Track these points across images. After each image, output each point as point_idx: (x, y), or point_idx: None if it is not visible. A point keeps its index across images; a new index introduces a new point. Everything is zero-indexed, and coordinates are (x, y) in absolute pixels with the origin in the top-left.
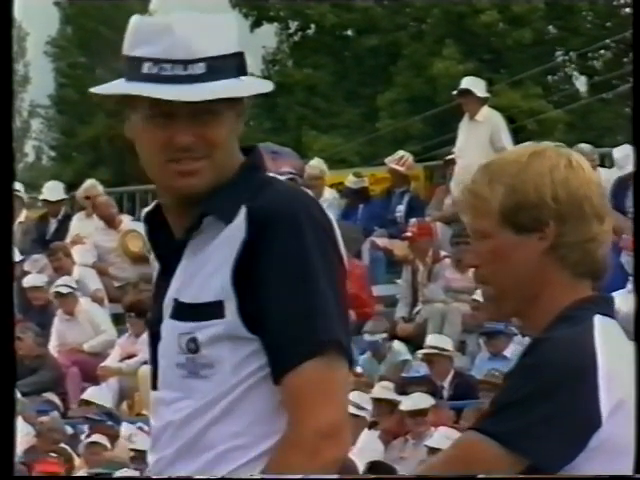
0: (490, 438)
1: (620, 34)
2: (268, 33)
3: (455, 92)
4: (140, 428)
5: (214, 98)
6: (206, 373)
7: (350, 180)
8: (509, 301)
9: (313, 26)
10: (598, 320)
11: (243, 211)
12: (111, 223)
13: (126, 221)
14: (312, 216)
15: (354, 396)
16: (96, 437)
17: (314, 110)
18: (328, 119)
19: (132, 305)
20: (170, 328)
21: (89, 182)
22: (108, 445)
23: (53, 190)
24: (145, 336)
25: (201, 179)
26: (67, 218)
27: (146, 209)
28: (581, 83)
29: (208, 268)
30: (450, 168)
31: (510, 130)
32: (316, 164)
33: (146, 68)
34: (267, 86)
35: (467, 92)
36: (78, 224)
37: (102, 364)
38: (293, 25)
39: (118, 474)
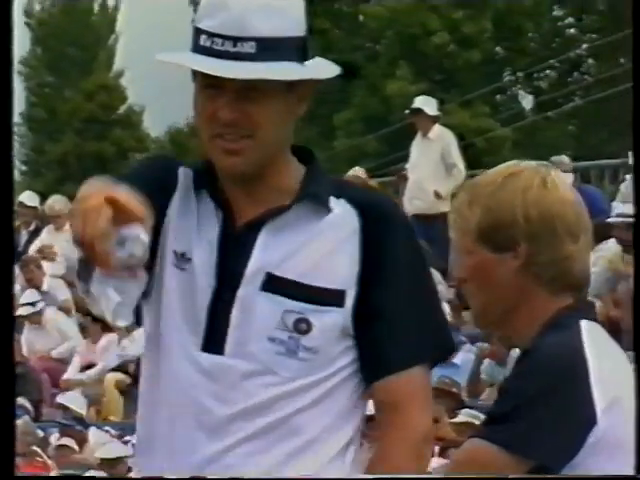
0: (494, 444)
1: (564, 54)
2: None
3: (408, 111)
4: (107, 432)
5: (251, 78)
6: (306, 356)
7: None
8: (490, 314)
9: None
10: (584, 324)
11: (343, 204)
12: None
13: None
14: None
15: None
16: (65, 440)
17: None
18: None
19: (89, 310)
20: (265, 300)
21: (56, 197)
22: (76, 448)
23: (29, 198)
24: (103, 342)
25: (245, 159)
26: (37, 231)
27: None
28: (527, 102)
29: (322, 253)
30: (403, 183)
31: (460, 147)
32: None
33: (202, 40)
34: (330, 71)
35: (419, 111)
36: (48, 237)
37: (64, 377)
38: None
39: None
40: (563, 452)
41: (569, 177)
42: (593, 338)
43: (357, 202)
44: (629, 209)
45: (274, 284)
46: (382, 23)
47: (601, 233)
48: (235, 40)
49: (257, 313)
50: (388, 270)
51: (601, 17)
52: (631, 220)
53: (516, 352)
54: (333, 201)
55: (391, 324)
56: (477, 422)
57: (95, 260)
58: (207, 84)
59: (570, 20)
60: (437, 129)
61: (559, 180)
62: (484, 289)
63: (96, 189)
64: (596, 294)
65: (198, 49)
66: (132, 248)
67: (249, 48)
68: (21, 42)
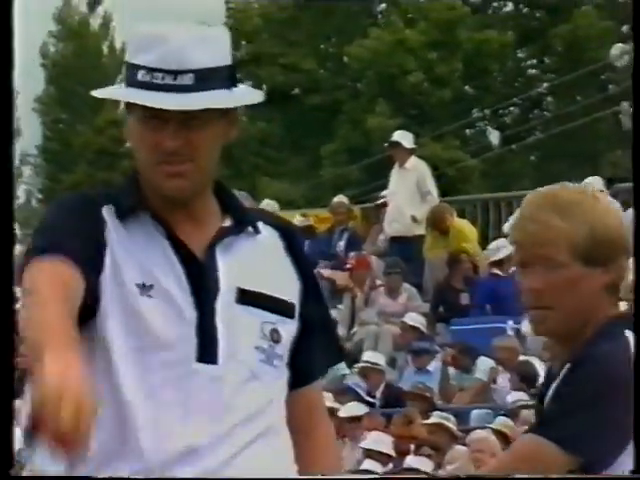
0: (550, 441)
1: (526, 93)
2: None
3: (387, 144)
4: None
5: (198, 108)
6: (278, 364)
7: (298, 219)
8: (564, 323)
9: (264, 86)
10: (629, 334)
11: (264, 225)
12: None
13: None
14: None
15: None
16: None
17: (266, 159)
18: (278, 167)
19: None
20: (243, 312)
21: None
22: None
23: None
24: None
25: (187, 181)
26: None
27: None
28: (494, 136)
29: (270, 268)
30: (383, 210)
31: (433, 176)
32: (268, 205)
33: (141, 75)
34: (256, 97)
35: (397, 144)
36: None
37: None
38: (247, 85)
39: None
40: (610, 454)
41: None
42: (636, 349)
43: (274, 225)
44: None
45: (247, 297)
46: (363, 64)
47: None
48: (175, 73)
49: (240, 325)
50: (316, 285)
51: (559, 58)
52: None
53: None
54: (259, 224)
55: (321, 334)
56: (447, 423)
57: (69, 448)
58: (149, 116)
59: (532, 61)
60: (413, 160)
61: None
62: (567, 300)
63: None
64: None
65: (135, 84)
66: None
67: (188, 80)
68: (37, 81)
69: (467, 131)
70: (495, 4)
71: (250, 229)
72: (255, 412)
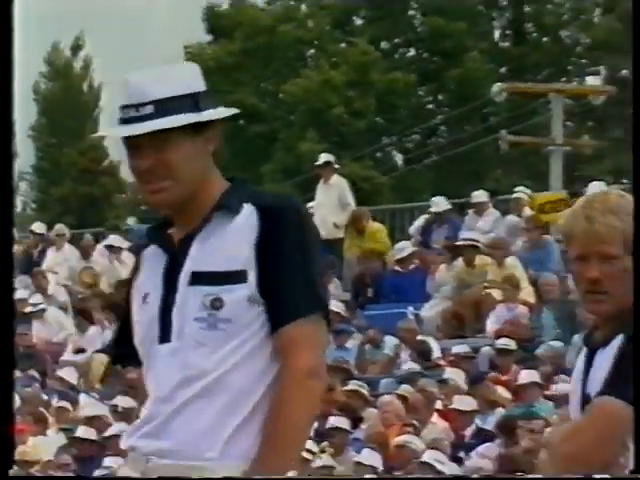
0: (621, 400)
1: (425, 123)
2: None
3: (318, 163)
4: (93, 397)
5: (145, 131)
6: (224, 327)
7: None
8: (617, 305)
9: None
10: None
11: (249, 207)
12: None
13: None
14: (306, 212)
15: None
16: (63, 403)
17: None
18: None
19: (81, 310)
20: (191, 292)
21: (58, 226)
22: (71, 409)
23: (37, 227)
24: (90, 332)
25: (169, 194)
26: (43, 251)
27: (149, 226)
28: (399, 158)
29: (229, 245)
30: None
31: (352, 190)
32: None
33: (118, 114)
34: (223, 113)
35: (327, 163)
36: (52, 255)
37: (62, 357)
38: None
39: (79, 432)
40: None
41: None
42: (635, 347)
43: (259, 204)
44: (472, 235)
45: (196, 279)
46: (296, 99)
47: (453, 252)
48: (137, 106)
49: (188, 304)
50: (277, 251)
51: (452, 95)
52: (474, 243)
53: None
54: (245, 206)
55: (280, 290)
56: (362, 390)
57: None
58: (129, 146)
59: (430, 98)
60: (335, 177)
61: None
62: (621, 286)
63: None
64: (446, 296)
65: (117, 121)
66: None
67: (149, 110)
68: (31, 113)
69: (378, 154)
70: (401, 50)
71: (231, 212)
72: (196, 375)
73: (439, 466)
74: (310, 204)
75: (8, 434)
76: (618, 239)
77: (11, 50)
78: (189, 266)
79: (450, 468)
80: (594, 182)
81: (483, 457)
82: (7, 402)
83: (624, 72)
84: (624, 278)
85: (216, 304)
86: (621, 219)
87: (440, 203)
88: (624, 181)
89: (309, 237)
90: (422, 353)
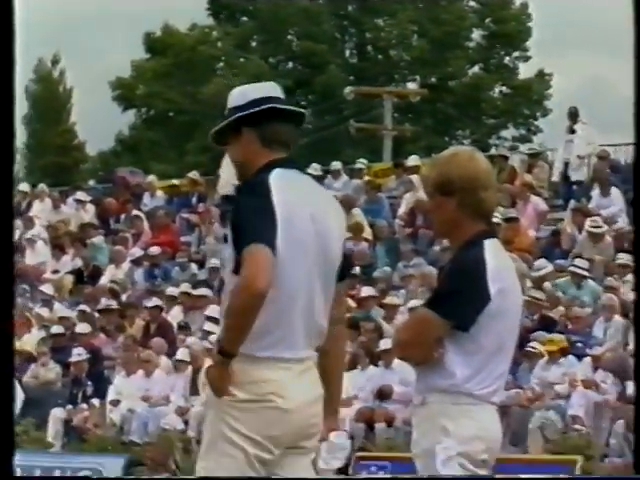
0: (433, 311)
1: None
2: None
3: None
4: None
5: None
6: (227, 265)
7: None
8: (444, 235)
9: (153, 111)
10: (487, 241)
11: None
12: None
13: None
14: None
15: None
16: (43, 309)
17: (152, 158)
18: (159, 159)
19: (56, 244)
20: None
21: (41, 185)
22: (48, 313)
23: (24, 187)
24: (64, 259)
25: None
26: (30, 203)
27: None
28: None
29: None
30: (217, 180)
31: None
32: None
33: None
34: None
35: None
36: (36, 206)
37: (43, 276)
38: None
39: (54, 329)
40: (472, 318)
41: None
42: (491, 249)
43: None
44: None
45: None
46: (210, 98)
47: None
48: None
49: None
50: (233, 218)
51: (317, 95)
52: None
53: None
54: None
55: (240, 229)
56: None
57: None
58: None
59: (302, 97)
60: None
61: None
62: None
63: None
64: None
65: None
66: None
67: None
68: (23, 107)
69: None
70: (282, 63)
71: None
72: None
73: None
74: (219, 171)
75: (9, 433)
76: (432, 183)
77: (13, 68)
78: None
79: None
80: (412, 156)
81: None
82: (7, 402)
83: (432, 79)
84: (435, 212)
85: (225, 254)
86: (434, 168)
87: (311, 169)
88: (432, 155)
89: (249, 201)
90: None
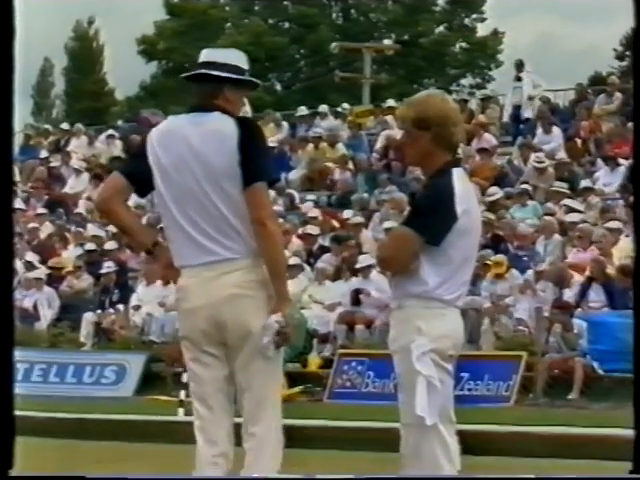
0: (409, 228)
1: (294, 66)
2: None
3: None
4: (96, 225)
5: None
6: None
7: None
8: (418, 164)
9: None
10: (455, 170)
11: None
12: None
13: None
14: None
15: None
16: (79, 229)
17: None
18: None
19: (93, 174)
20: None
21: (78, 125)
22: (84, 232)
23: (65, 125)
24: (99, 187)
25: None
26: (68, 140)
27: None
28: (279, 86)
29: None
30: None
31: (250, 105)
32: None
33: None
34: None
35: None
36: (74, 142)
37: (80, 201)
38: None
39: (88, 246)
40: (442, 234)
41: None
42: (458, 176)
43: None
44: (318, 130)
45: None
46: None
47: (310, 141)
48: None
49: None
50: (252, 150)
51: (309, 50)
52: (320, 134)
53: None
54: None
55: (251, 166)
56: None
57: None
58: None
59: (297, 53)
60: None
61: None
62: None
63: None
64: (303, 167)
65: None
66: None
67: None
68: (63, 60)
69: (266, 83)
70: (280, 24)
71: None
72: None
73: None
74: None
75: (9, 434)
76: (410, 120)
77: (13, 69)
78: None
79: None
80: (388, 100)
81: (323, 262)
82: (7, 403)
83: (405, 37)
84: (411, 145)
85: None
86: (410, 107)
87: (302, 110)
88: (403, 99)
89: (262, 138)
90: (292, 200)
